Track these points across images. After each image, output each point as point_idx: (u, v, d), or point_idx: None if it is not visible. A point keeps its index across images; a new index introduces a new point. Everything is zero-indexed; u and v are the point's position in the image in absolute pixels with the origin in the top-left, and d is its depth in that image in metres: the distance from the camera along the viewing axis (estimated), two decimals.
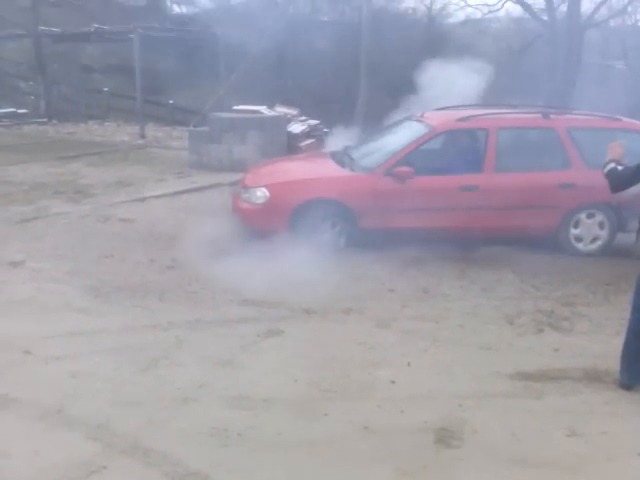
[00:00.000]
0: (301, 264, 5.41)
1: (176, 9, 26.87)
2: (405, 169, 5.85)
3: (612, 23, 20.63)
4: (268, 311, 4.58)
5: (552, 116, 6.30)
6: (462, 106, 7.23)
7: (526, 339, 4.34)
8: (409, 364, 3.84)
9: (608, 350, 4.11)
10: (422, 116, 6.60)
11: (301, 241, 5.74)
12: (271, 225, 5.79)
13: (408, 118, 6.89)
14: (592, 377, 3.81)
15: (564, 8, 17.30)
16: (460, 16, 27.96)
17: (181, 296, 4.77)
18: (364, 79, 14.85)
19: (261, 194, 5.99)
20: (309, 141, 10.33)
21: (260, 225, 5.90)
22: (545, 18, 17.66)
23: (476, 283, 5.39)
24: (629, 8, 20.53)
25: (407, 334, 4.29)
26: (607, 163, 3.80)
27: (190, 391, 3.41)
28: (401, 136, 6.41)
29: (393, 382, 3.59)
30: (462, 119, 6.20)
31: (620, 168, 3.71)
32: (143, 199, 7.50)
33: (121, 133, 15.04)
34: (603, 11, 18.35)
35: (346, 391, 3.49)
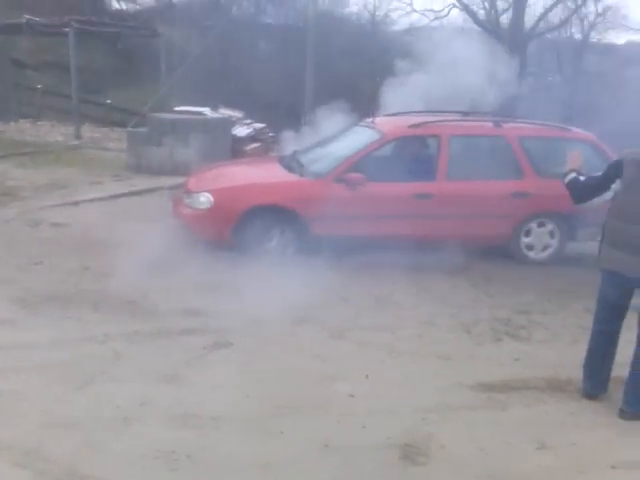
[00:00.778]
0: (248, 272, 5.16)
1: (116, 5, 25.98)
2: (356, 175, 5.67)
3: (549, 36, 21.29)
4: (215, 322, 4.27)
5: (504, 125, 6.26)
6: (413, 112, 7.13)
7: (485, 348, 4.21)
8: (367, 376, 3.62)
9: (567, 359, 4.04)
10: (373, 122, 6.45)
11: (247, 249, 5.47)
12: (215, 232, 5.50)
13: (359, 124, 6.73)
14: (555, 387, 3.71)
15: (505, 20, 17.72)
16: (404, 23, 28.29)
17: (118, 306, 4.39)
18: (309, 83, 14.62)
19: (205, 199, 5.67)
20: (255, 145, 10.03)
21: (204, 232, 5.58)
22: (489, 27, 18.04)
23: (430, 291, 5.25)
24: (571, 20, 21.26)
25: (363, 345, 4.07)
26: (567, 173, 3.69)
27: (131, 410, 3.10)
28: (352, 142, 6.22)
29: (352, 396, 3.37)
30: (414, 126, 6.06)
31: (582, 178, 3.61)
32: (77, 203, 7.01)
33: (55, 133, 14.29)
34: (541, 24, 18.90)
35: (302, 406, 3.25)
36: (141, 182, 8.53)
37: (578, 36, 26.80)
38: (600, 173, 3.53)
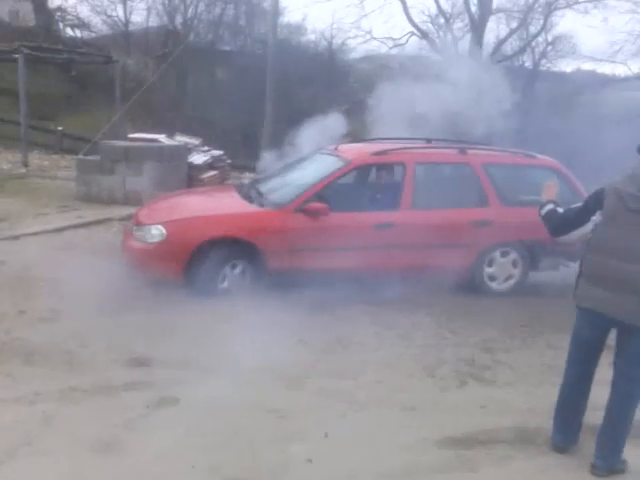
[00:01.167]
0: (199, 314, 4.83)
1: (70, 32, 25.46)
2: (318, 205, 5.42)
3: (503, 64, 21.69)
4: (160, 373, 3.92)
5: (469, 151, 6.13)
6: (375, 139, 6.99)
7: (450, 395, 3.96)
8: (326, 435, 3.32)
9: (535, 404, 3.85)
10: (336, 149, 6.23)
11: (201, 286, 5.14)
12: (167, 268, 5.14)
13: (320, 151, 6.51)
14: (524, 438, 3.48)
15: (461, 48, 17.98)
16: (360, 51, 28.65)
17: (54, 357, 3.99)
18: (269, 109, 14.45)
19: (157, 232, 5.30)
20: (212, 173, 9.71)
21: (154, 268, 5.21)
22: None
23: (392, 329, 5.00)
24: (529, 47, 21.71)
25: (322, 395, 3.78)
26: (544, 205, 3.49)
27: None
28: (313, 170, 5.99)
29: (310, 461, 3.06)
30: (378, 153, 5.88)
31: (560, 210, 3.42)
32: (17, 237, 6.54)
33: (1, 161, 13.67)
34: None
35: (255, 477, 2.92)
36: (89, 213, 8.10)
37: (528, 64, 27.58)
38: (579, 204, 3.33)
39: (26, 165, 12.60)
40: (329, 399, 3.74)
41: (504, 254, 5.97)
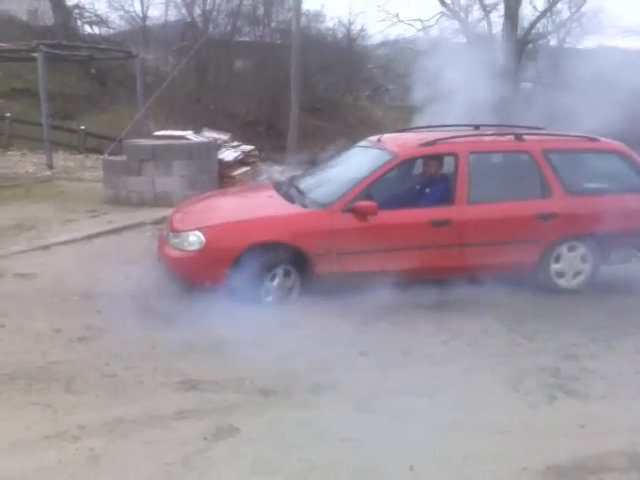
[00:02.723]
0: (248, 325, 4.42)
1: (88, 30, 25.23)
2: (367, 204, 4.95)
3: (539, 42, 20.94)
4: (214, 396, 3.51)
5: (526, 137, 5.60)
6: (419, 128, 6.51)
7: (541, 413, 3.50)
8: (412, 468, 2.90)
9: (639, 421, 3.37)
10: (379, 141, 5.76)
11: (243, 295, 4.72)
12: (208, 276, 4.72)
13: (361, 144, 6.04)
14: (638, 464, 3.01)
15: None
16: (378, 38, 28.13)
17: (96, 382, 3.61)
18: (295, 101, 13.98)
19: (195, 239, 4.90)
20: (243, 169, 9.29)
21: (194, 277, 4.81)
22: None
23: (459, 337, 4.54)
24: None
25: (398, 419, 3.34)
26: None
27: None
28: (357, 165, 5.51)
29: None
30: (427, 144, 5.37)
31: None
32: (47, 247, 6.18)
33: (26, 163, 13.43)
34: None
35: None
36: (120, 217, 7.73)
37: (554, 42, 26.74)
38: None
39: (51, 167, 12.34)
40: (406, 423, 3.30)
41: (572, 248, 5.45)
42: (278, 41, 25.11)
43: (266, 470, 2.84)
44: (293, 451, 2.98)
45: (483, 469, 2.92)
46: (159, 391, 3.55)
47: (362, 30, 32.07)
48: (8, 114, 17.09)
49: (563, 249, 5.44)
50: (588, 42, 27.45)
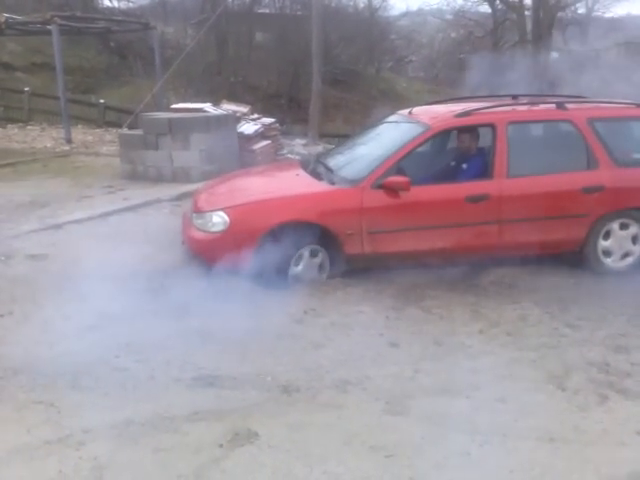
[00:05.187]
0: (271, 312, 4.12)
1: (107, 3, 24.79)
2: (399, 179, 4.59)
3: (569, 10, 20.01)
4: (232, 394, 3.22)
5: (568, 106, 5.15)
6: (450, 100, 6.10)
7: (593, 416, 3.14)
8: None
9: None
10: (410, 113, 5.35)
11: (270, 279, 4.43)
12: (232, 259, 4.42)
13: (389, 118, 5.64)
14: None
15: None
16: (401, 8, 27.35)
17: (105, 378, 3.34)
18: (316, 72, 13.48)
19: (219, 220, 4.62)
20: (264, 143, 8.92)
21: (218, 259, 4.49)
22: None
23: (497, 325, 4.19)
24: None
25: (433, 423, 3.01)
26: None
27: None
28: (387, 139, 5.14)
29: None
30: (462, 114, 4.96)
31: None
32: (60, 226, 5.92)
33: (45, 138, 13.26)
34: None
35: None
36: (137, 194, 7.46)
37: (582, 11, 25.68)
38: None
39: (69, 142, 12.12)
40: (443, 428, 2.97)
41: (623, 226, 5.02)
42: (298, 12, 24.44)
43: None
44: (318, 462, 2.68)
45: None
46: (172, 388, 3.27)
47: (384, 0, 31.15)
48: (27, 88, 16.92)
49: (614, 225, 5.01)
50: (618, 9, 26.45)
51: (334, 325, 4.05)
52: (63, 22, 11.97)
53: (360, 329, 4.05)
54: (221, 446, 2.78)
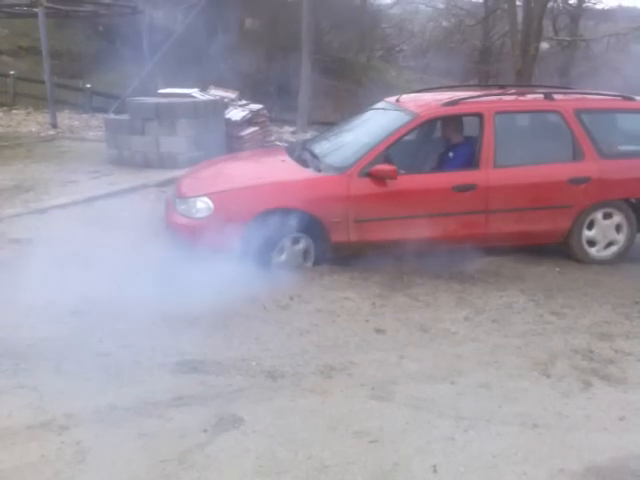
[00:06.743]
0: (256, 298, 4.11)
1: None
2: (386, 167, 4.57)
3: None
4: (216, 380, 3.21)
5: (556, 97, 5.15)
6: (438, 88, 6.08)
7: (576, 402, 3.16)
8: (435, 469, 2.58)
9: None
10: (397, 101, 5.33)
11: (255, 265, 4.40)
12: (216, 245, 4.39)
13: (377, 106, 5.61)
14: None
15: None
16: None
17: (88, 362, 3.31)
18: (306, 59, 13.39)
19: (203, 205, 4.57)
20: (252, 129, 8.86)
21: (202, 246, 4.47)
22: None
23: (483, 312, 4.20)
24: None
25: (418, 408, 3.02)
26: None
27: None
28: (374, 127, 5.10)
29: None
30: (450, 103, 4.93)
31: None
32: (44, 210, 5.86)
33: (30, 122, 13.08)
34: None
35: None
36: (122, 179, 7.39)
37: (573, 1, 25.64)
38: None
39: (55, 126, 11.97)
40: (427, 413, 2.98)
41: (607, 216, 5.05)
42: None
43: (272, 470, 2.54)
44: (302, 447, 2.68)
45: (515, 470, 2.60)
46: (157, 373, 3.25)
47: None
48: (12, 72, 16.66)
49: (597, 215, 5.05)
50: (609, 1, 26.51)
51: (320, 311, 4.05)
52: (50, 4, 11.79)
53: (346, 315, 4.05)
54: (205, 431, 2.77)
